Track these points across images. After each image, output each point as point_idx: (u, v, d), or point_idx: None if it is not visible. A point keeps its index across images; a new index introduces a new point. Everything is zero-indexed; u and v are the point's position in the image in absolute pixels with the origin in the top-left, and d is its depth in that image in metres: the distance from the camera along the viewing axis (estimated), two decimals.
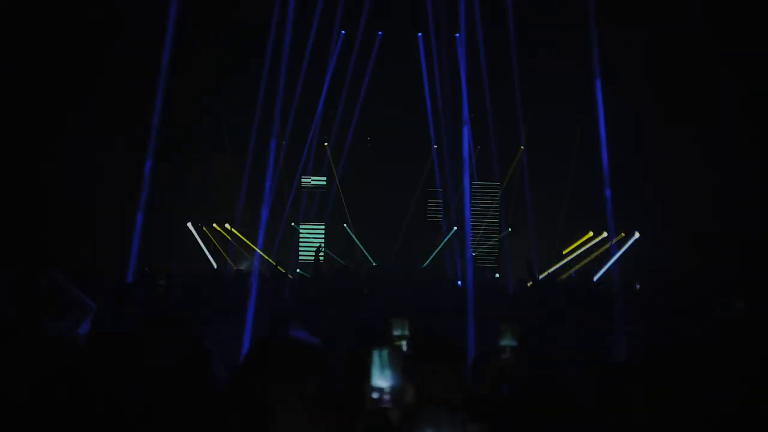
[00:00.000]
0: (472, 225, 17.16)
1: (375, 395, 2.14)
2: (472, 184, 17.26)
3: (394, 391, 2.16)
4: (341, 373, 3.33)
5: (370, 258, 17.71)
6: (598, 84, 7.89)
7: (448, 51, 15.60)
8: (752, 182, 10.25)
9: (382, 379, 2.17)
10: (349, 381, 3.20)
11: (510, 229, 17.27)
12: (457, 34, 15.38)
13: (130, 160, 9.76)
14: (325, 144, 17.40)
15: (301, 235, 17.61)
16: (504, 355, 3.71)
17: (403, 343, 3.16)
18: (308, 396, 2.50)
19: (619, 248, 14.83)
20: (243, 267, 14.21)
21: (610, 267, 13.89)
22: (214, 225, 16.06)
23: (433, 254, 18.05)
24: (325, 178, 17.68)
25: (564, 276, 15.16)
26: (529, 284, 13.67)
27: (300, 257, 17.46)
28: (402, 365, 2.21)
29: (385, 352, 2.19)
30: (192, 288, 8.25)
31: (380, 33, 15.89)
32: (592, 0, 8.40)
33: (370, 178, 18.33)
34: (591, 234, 15.94)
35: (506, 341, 3.78)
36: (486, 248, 17.45)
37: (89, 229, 10.83)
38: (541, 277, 14.97)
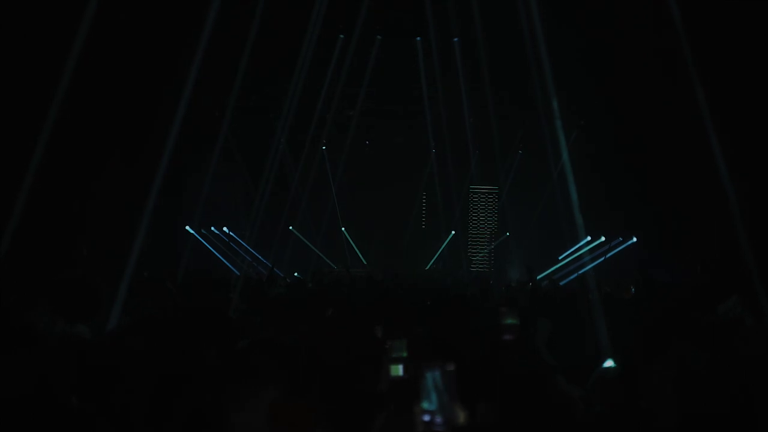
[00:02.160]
0: (471, 229, 17.32)
1: (426, 418, 2.15)
2: (471, 188, 17.34)
3: (447, 414, 2.17)
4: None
5: (364, 261, 17.73)
6: None
7: (447, 55, 15.64)
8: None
9: (434, 402, 2.19)
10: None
11: (507, 234, 17.31)
12: (456, 39, 15.44)
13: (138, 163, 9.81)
14: (323, 147, 17.44)
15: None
16: (507, 336, 3.81)
17: (400, 366, 3.14)
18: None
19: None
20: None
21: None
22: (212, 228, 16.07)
23: (434, 258, 18.12)
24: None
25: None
26: (529, 285, 13.75)
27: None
28: (455, 386, 2.22)
29: (438, 373, 2.21)
30: None
31: (379, 37, 15.91)
32: None
33: (369, 181, 18.35)
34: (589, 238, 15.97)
35: (509, 320, 3.87)
36: (484, 252, 17.49)
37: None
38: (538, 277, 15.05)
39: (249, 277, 12.84)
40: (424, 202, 18.91)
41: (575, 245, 15.84)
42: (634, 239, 15.28)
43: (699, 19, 8.86)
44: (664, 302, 7.78)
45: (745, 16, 9.24)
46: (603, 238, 15.54)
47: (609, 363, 4.37)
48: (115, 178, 10.39)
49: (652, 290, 9.66)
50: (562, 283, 14.91)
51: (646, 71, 12.31)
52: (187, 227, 15.55)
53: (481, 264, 17.68)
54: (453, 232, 17.71)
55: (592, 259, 15.05)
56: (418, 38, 15.89)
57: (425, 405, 2.15)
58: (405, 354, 3.02)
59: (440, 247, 18.09)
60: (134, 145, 10.29)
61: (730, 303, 5.88)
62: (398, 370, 3.02)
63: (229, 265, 15.60)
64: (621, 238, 15.39)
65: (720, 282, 9.28)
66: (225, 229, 16.22)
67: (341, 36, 15.49)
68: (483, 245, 17.61)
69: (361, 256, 17.93)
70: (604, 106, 14.21)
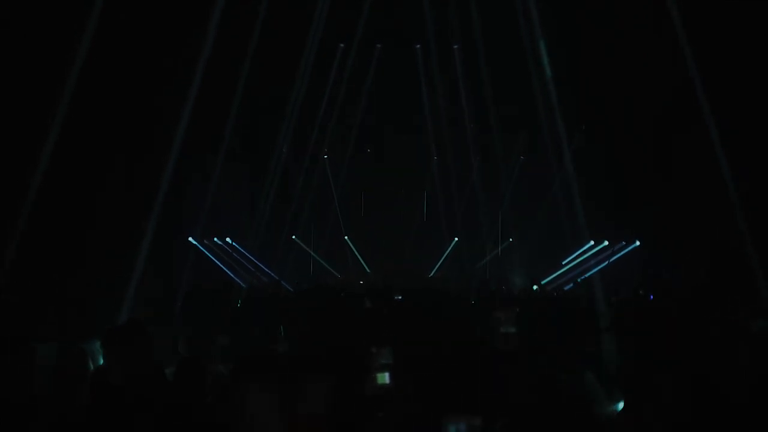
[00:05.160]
0: (474, 235, 17.29)
1: None
2: (473, 193, 17.33)
3: None
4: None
5: (366, 268, 17.72)
6: None
7: (447, 62, 15.70)
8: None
9: None
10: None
11: (510, 240, 17.29)
12: (456, 45, 15.50)
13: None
14: (325, 156, 17.48)
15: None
16: (504, 344, 3.56)
17: (387, 374, 3.10)
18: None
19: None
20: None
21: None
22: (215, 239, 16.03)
23: (438, 264, 18.09)
24: None
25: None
26: (534, 288, 13.76)
27: None
28: None
29: (462, 425, 2.23)
30: None
31: (378, 45, 15.98)
32: None
33: (370, 188, 18.37)
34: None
35: (505, 328, 3.64)
36: (488, 258, 17.45)
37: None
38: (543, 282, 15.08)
39: (252, 287, 12.85)
40: (426, 209, 18.90)
41: (578, 250, 15.83)
42: (638, 243, 15.24)
43: (699, 18, 8.89)
44: (668, 303, 7.77)
45: (746, 14, 9.26)
46: (606, 242, 15.51)
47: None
48: (117, 188, 10.39)
49: (657, 292, 9.65)
50: (566, 288, 14.92)
51: (646, 73, 12.33)
52: (190, 238, 15.51)
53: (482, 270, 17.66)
54: (456, 239, 17.69)
55: (596, 264, 15.04)
56: (418, 45, 15.96)
57: None
58: (391, 361, 2.99)
59: (443, 254, 18.08)
60: (136, 154, 10.29)
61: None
62: (384, 378, 2.99)
63: (233, 276, 15.58)
64: (624, 242, 15.35)
65: (722, 283, 9.27)
66: (228, 239, 16.20)
67: (341, 45, 15.55)
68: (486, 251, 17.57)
69: (364, 264, 17.92)
70: (604, 108, 14.21)
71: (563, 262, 16.12)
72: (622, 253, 15.16)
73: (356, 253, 17.97)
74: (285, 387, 1.92)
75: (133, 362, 3.41)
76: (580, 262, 15.64)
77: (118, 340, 3.51)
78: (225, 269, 15.58)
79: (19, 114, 7.86)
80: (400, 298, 8.41)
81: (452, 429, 2.25)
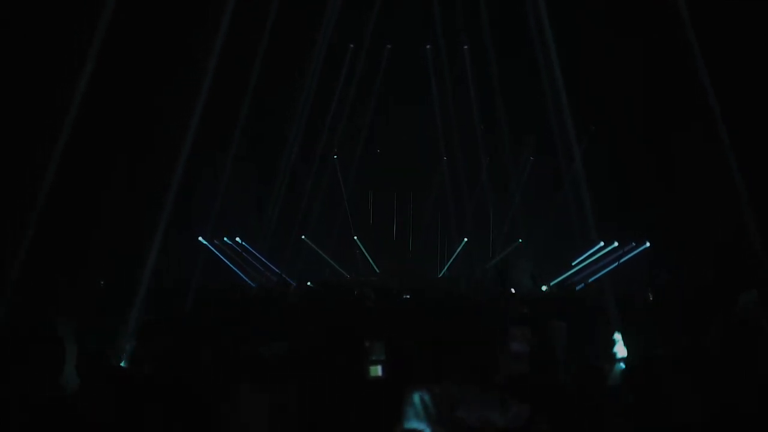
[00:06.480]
0: (483, 235, 17.31)
1: None
2: (483, 193, 17.32)
3: None
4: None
5: (375, 268, 17.73)
6: None
7: (457, 62, 15.69)
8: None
9: (418, 423, 2.21)
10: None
11: (520, 240, 17.24)
12: (465, 46, 15.49)
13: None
14: (335, 156, 17.50)
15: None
16: (516, 364, 3.47)
17: (379, 367, 3.11)
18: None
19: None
20: None
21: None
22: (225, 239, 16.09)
23: (447, 265, 18.08)
24: None
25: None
26: (543, 288, 13.74)
27: None
28: (443, 409, 2.23)
29: (427, 396, 2.22)
30: None
31: (389, 45, 15.99)
32: None
33: (380, 189, 18.39)
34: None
35: (517, 346, 3.58)
36: (497, 259, 17.41)
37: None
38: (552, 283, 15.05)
39: (262, 287, 12.90)
40: (435, 209, 18.89)
41: (588, 251, 15.77)
42: (648, 244, 15.16)
43: (706, 20, 8.83)
44: (676, 304, 7.73)
45: (750, 16, 9.20)
46: (616, 243, 15.44)
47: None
48: (123, 188, 10.47)
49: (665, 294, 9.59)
50: (577, 288, 14.86)
51: (654, 74, 12.27)
52: (200, 238, 15.56)
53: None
54: (465, 239, 17.67)
55: (606, 265, 14.97)
56: (428, 46, 15.96)
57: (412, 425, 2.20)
58: (383, 357, 3.00)
59: (452, 255, 18.06)
60: (143, 155, 10.36)
61: (751, 297, 5.72)
62: (377, 370, 3.00)
63: (243, 277, 15.63)
64: (634, 243, 15.28)
65: (727, 280, 9.20)
66: (237, 239, 16.25)
67: (351, 45, 15.58)
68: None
69: (373, 263, 17.93)
70: (613, 110, 14.17)
71: (573, 263, 16.07)
72: (633, 254, 15.09)
73: (365, 252, 17.99)
74: (271, 386, 1.93)
75: (167, 354, 3.47)
76: (590, 263, 15.58)
77: (154, 333, 3.58)
78: (235, 269, 15.64)
79: (37, 115, 7.95)
80: (408, 297, 8.42)
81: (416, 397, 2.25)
